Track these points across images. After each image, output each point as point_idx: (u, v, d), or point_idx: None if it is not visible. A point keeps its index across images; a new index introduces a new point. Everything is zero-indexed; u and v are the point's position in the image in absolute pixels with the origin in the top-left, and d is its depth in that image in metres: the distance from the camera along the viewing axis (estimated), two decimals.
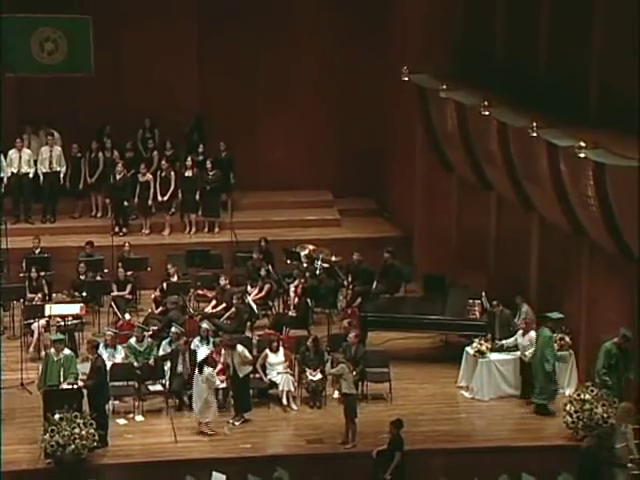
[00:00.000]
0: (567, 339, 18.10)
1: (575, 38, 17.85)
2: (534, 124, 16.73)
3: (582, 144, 15.52)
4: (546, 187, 17.48)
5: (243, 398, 17.10)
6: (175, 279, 20.36)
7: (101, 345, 17.55)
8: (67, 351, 16.90)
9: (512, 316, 18.52)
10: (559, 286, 18.72)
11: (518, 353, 17.85)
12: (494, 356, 18.04)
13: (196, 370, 16.77)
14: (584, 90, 17.51)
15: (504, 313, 18.50)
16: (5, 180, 22.43)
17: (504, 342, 18.03)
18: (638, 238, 15.33)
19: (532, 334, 17.66)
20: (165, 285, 20.18)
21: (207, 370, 16.63)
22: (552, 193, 17.33)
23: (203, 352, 17.68)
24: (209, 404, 16.67)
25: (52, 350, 16.88)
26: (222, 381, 17.29)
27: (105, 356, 17.34)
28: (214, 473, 14.79)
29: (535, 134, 16.78)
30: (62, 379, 16.43)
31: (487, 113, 18.16)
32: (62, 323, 18.98)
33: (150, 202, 22.64)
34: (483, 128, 19.10)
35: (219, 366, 17.30)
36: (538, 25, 18.79)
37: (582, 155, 15.57)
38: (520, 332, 17.89)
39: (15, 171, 22.48)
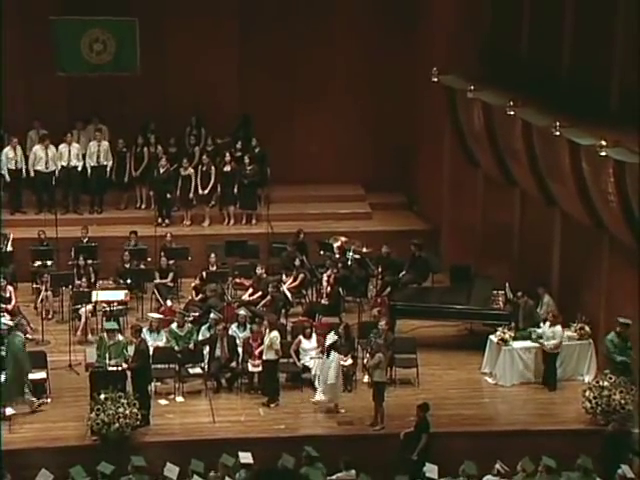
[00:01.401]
0: (587, 328, 18.02)
1: (597, 39, 17.75)
2: (557, 123, 16.65)
3: (603, 143, 15.44)
4: (568, 183, 17.40)
5: (270, 382, 17.12)
6: (214, 268, 20.43)
7: (145, 329, 17.64)
8: (120, 337, 17.02)
9: (535, 306, 18.46)
10: (579, 278, 18.64)
11: (542, 341, 17.77)
12: (517, 344, 17.98)
13: (324, 355, 16.92)
14: (605, 90, 17.41)
15: (528, 304, 18.44)
16: (57, 173, 22.57)
17: (534, 330, 17.92)
18: None
19: (558, 328, 17.59)
20: (205, 274, 20.25)
21: (335, 355, 16.68)
22: (574, 189, 17.25)
23: (241, 337, 17.74)
24: (335, 387, 16.77)
25: (105, 334, 17.02)
26: (256, 365, 17.34)
27: (149, 340, 17.43)
28: (240, 453, 14.82)
29: (558, 133, 16.71)
30: (109, 361, 16.56)
31: (512, 113, 18.10)
32: (107, 309, 19.10)
33: (191, 195, 22.72)
34: (508, 127, 19.03)
35: (254, 350, 17.35)
36: (562, 27, 18.69)
37: (603, 153, 15.49)
38: (548, 323, 17.79)
39: (65, 164, 22.62)
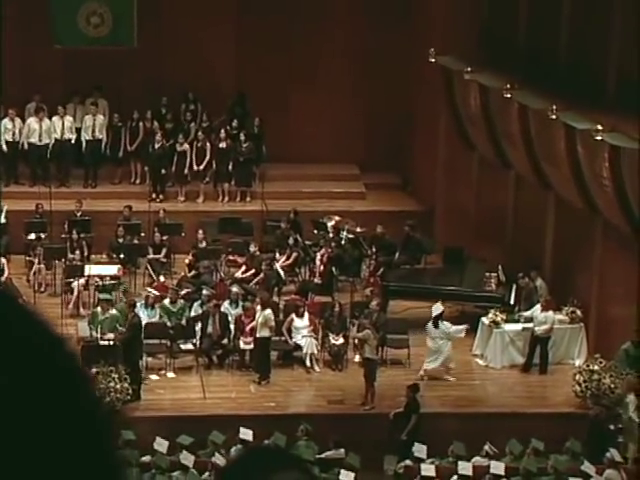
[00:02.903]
0: (578, 312, 18.01)
1: (595, 22, 17.67)
2: (553, 107, 16.59)
3: (599, 127, 15.39)
4: (563, 167, 17.36)
5: (262, 360, 17.11)
6: (204, 245, 20.37)
7: (139, 304, 17.60)
8: (114, 311, 16.97)
9: (535, 290, 18.40)
10: (572, 261, 18.62)
11: (531, 325, 17.77)
12: (508, 327, 17.97)
13: (430, 325, 17.11)
14: (603, 74, 17.35)
15: (529, 285, 18.39)
16: (50, 146, 22.46)
17: (523, 314, 17.91)
18: None
19: (550, 313, 17.57)
20: (196, 250, 20.19)
21: (443, 325, 16.85)
22: (568, 173, 17.21)
23: (233, 314, 17.72)
24: (439, 353, 16.96)
25: (99, 308, 16.96)
26: (248, 343, 17.32)
27: (142, 315, 17.39)
28: (241, 429, 14.84)
29: (554, 116, 16.65)
30: (101, 335, 16.53)
31: (509, 95, 18.03)
32: (100, 283, 19.05)
33: (186, 171, 22.63)
34: (504, 109, 18.96)
35: (246, 327, 17.34)
36: (560, 10, 18.61)
37: (598, 138, 15.44)
38: (539, 307, 17.76)
39: (58, 137, 22.49)
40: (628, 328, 16.67)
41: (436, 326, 16.97)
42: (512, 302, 18.46)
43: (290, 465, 1.33)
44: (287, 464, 1.32)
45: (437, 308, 17.46)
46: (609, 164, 15.80)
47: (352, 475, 14.41)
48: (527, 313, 17.90)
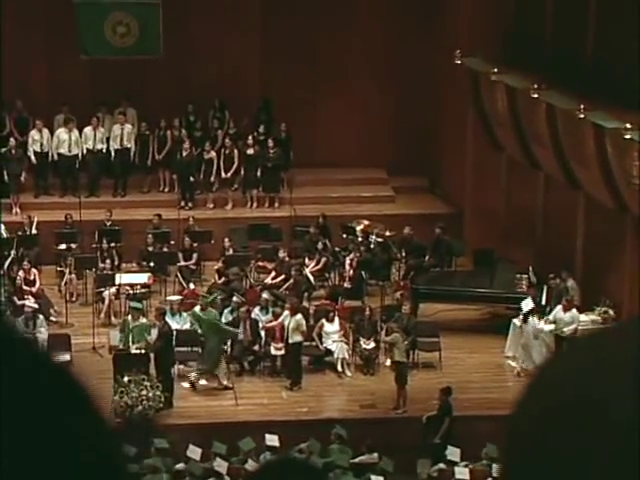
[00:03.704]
0: (611, 312, 17.87)
1: (622, 21, 17.56)
2: (581, 106, 16.50)
3: (628, 126, 15.29)
4: (592, 167, 17.25)
5: (294, 366, 17.11)
6: (231, 252, 20.40)
7: (168, 312, 17.64)
8: (143, 319, 17.03)
9: (566, 290, 18.28)
10: (603, 261, 18.50)
11: (559, 327, 17.60)
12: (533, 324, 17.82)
13: (519, 320, 17.25)
14: (631, 73, 17.23)
15: (560, 286, 18.26)
16: (80, 156, 22.56)
17: (547, 318, 17.76)
18: None
19: (574, 311, 17.44)
20: (226, 257, 20.22)
21: (532, 321, 16.94)
22: (598, 173, 17.10)
23: (263, 320, 17.73)
24: (529, 349, 17.03)
25: (129, 317, 17.03)
26: (279, 349, 17.32)
27: (171, 323, 17.43)
28: (267, 435, 14.84)
29: (582, 116, 16.56)
30: (132, 344, 16.58)
31: (536, 96, 17.95)
32: (131, 292, 19.12)
33: (214, 178, 22.68)
34: (532, 110, 18.88)
35: (277, 333, 17.34)
36: (586, 8, 18.51)
37: (628, 136, 15.34)
38: (560, 307, 17.63)
39: (90, 147, 22.60)
40: None
41: (525, 321, 16.94)
42: (544, 303, 18.34)
43: (309, 476, 1.32)
44: (305, 475, 1.31)
45: (528, 304, 17.41)
46: (639, 162, 15.69)
47: None
48: (550, 316, 17.71)
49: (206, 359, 16.86)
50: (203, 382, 17.26)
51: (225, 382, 16.82)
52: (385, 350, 17.56)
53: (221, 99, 23.30)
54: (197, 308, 18.13)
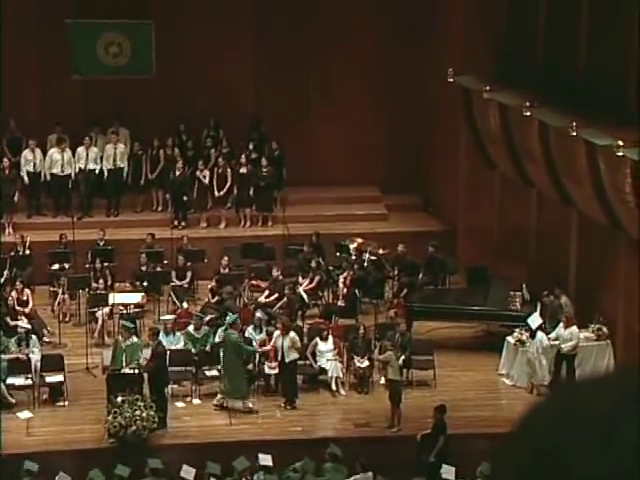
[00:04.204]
0: (604, 329, 17.88)
1: (613, 38, 17.62)
2: (574, 124, 16.54)
3: (620, 143, 15.32)
4: (585, 184, 17.27)
5: (289, 384, 17.07)
6: (226, 271, 20.38)
7: (161, 332, 17.60)
8: (135, 339, 17.00)
9: (560, 307, 18.29)
10: (597, 278, 18.51)
11: (556, 343, 17.62)
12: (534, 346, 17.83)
13: (526, 336, 17.39)
14: (622, 90, 17.29)
15: (554, 303, 18.27)
16: (73, 176, 22.55)
17: (550, 336, 17.72)
18: None
19: (574, 328, 17.45)
20: (219, 276, 20.19)
21: (539, 336, 17.06)
22: (590, 190, 17.13)
23: (257, 339, 17.69)
24: (535, 367, 17.12)
25: (120, 337, 16.98)
26: (273, 367, 17.28)
27: (165, 343, 17.38)
28: (260, 455, 14.79)
29: (574, 133, 16.59)
30: (125, 364, 16.53)
31: (528, 113, 17.99)
32: (124, 311, 19.08)
33: (208, 197, 22.66)
34: (524, 127, 18.92)
35: (270, 351, 17.29)
36: (578, 26, 18.58)
37: (620, 153, 15.37)
38: (562, 325, 17.64)
39: (82, 167, 22.59)
40: None
41: (533, 337, 16.95)
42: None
43: None
44: None
45: (536, 319, 17.41)
46: (631, 179, 15.71)
47: None
48: (552, 335, 17.70)
49: (233, 383, 16.77)
50: (196, 401, 17.20)
51: (250, 405, 16.75)
52: (379, 368, 17.52)
53: (216, 118, 23.32)
54: (191, 327, 18.10)
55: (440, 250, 20.95)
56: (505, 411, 17.09)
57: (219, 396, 16.87)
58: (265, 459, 14.68)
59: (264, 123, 23.44)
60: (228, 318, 17.82)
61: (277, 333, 17.27)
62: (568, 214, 18.98)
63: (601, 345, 17.82)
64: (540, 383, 17.27)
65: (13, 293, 19.25)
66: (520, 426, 1.15)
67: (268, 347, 17.21)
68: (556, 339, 17.63)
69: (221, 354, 17.19)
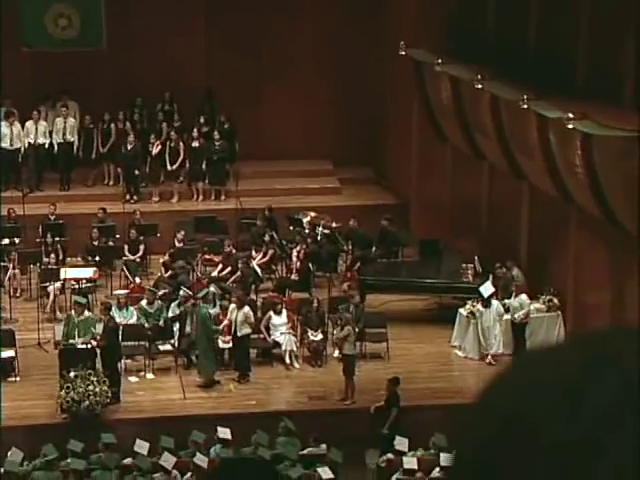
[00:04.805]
0: (555, 300, 18.05)
1: (563, 11, 17.71)
2: (524, 97, 16.61)
3: (570, 115, 15.41)
4: (536, 157, 17.38)
5: (242, 358, 17.08)
6: (180, 245, 20.30)
7: (114, 307, 17.52)
8: (87, 313, 16.90)
9: (512, 279, 18.42)
10: (547, 250, 18.67)
11: (508, 316, 17.78)
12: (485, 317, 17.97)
13: (479, 306, 17.32)
14: (572, 63, 17.39)
15: (506, 275, 18.41)
16: (22, 150, 22.31)
17: (506, 302, 17.88)
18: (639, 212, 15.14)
19: (523, 297, 17.60)
20: (173, 250, 20.11)
21: (495, 304, 17.11)
22: (541, 162, 17.24)
23: (211, 313, 17.67)
24: (491, 336, 17.21)
25: (73, 312, 16.87)
26: (226, 342, 17.27)
27: (117, 317, 17.31)
28: (219, 428, 14.81)
29: (525, 106, 16.66)
30: (78, 339, 16.43)
31: (480, 86, 18.04)
32: (76, 286, 18.96)
33: (160, 171, 22.53)
34: (476, 101, 18.98)
35: (225, 326, 17.28)
36: (528, 0, 18.65)
37: (570, 126, 15.47)
38: (512, 294, 17.80)
39: (32, 141, 22.36)
40: (605, 315, 16.73)
41: (487, 306, 16.99)
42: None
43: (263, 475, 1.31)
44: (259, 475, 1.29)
45: (488, 288, 17.47)
46: (581, 152, 15.83)
47: (329, 471, 14.40)
48: (509, 301, 17.83)
49: (202, 360, 16.75)
50: (150, 376, 17.16)
51: (215, 377, 16.78)
52: (333, 342, 17.57)
53: (171, 92, 23.14)
54: (143, 302, 18.03)
55: (393, 223, 21.00)
56: (458, 383, 17.23)
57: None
58: (224, 432, 14.69)
59: (216, 97, 23.32)
60: (201, 293, 17.74)
61: (232, 307, 17.24)
62: (519, 187, 19.10)
63: (552, 316, 17.99)
64: (496, 352, 17.41)
65: None
66: (485, 395, 1.15)
67: (226, 322, 17.19)
68: (507, 310, 17.79)
69: (146, 325, 17.32)
